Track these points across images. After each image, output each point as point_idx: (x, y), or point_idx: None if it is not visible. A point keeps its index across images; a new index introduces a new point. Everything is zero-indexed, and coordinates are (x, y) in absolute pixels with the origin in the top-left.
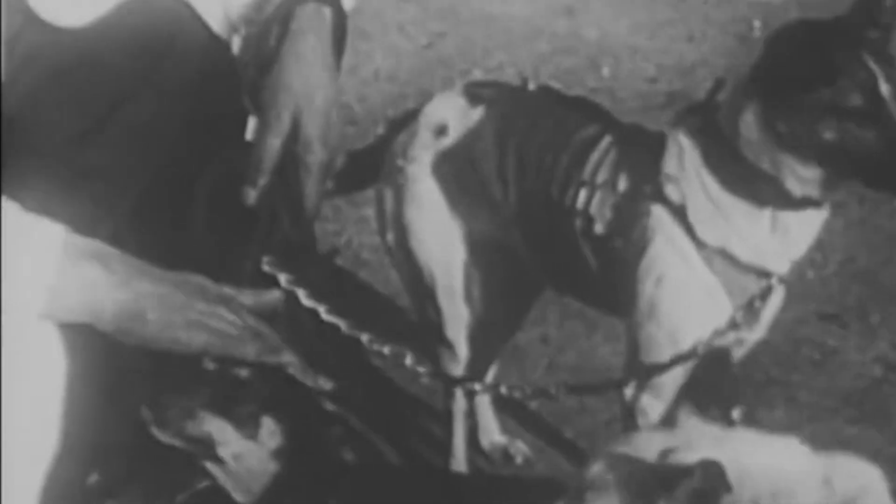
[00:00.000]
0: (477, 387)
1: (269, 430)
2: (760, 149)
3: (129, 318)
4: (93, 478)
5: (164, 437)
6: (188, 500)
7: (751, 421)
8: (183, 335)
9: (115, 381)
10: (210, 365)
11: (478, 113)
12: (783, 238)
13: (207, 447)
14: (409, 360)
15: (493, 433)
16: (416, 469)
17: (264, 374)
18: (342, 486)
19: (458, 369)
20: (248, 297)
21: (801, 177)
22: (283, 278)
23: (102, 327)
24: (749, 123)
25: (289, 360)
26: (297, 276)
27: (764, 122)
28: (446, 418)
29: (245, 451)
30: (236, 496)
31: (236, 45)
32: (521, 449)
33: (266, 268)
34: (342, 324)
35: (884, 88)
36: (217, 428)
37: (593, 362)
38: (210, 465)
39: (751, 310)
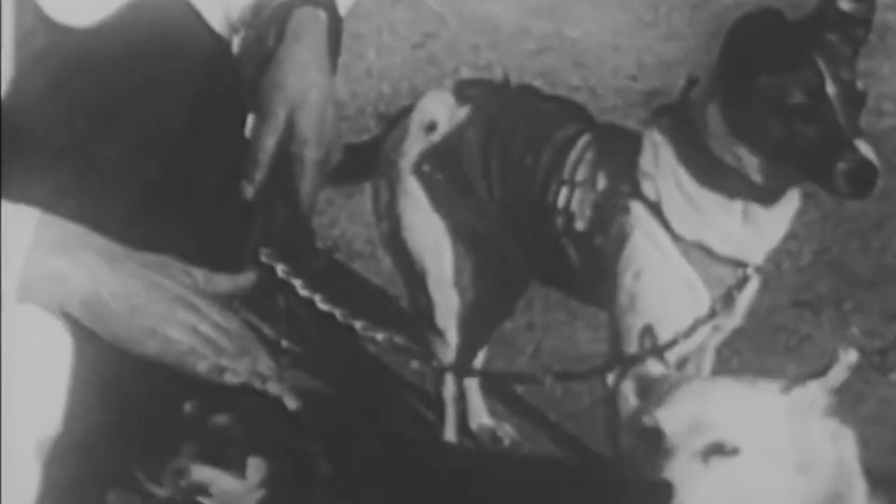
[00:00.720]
0: (468, 372)
1: (255, 467)
2: (724, 142)
3: (94, 314)
4: (94, 465)
5: (159, 492)
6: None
7: None
8: (140, 340)
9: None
10: (188, 407)
11: (464, 112)
12: (756, 228)
13: (200, 492)
14: (400, 345)
15: (481, 416)
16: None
17: (242, 417)
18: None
19: (448, 355)
20: (223, 282)
21: (760, 168)
22: (279, 269)
23: (75, 315)
24: (713, 117)
25: (247, 369)
26: (294, 267)
27: (724, 115)
28: (437, 403)
29: (233, 489)
30: None
31: (236, 45)
32: (508, 431)
33: (264, 259)
34: (337, 312)
35: (830, 89)
36: (208, 476)
37: (576, 349)
38: (200, 499)
39: (729, 300)
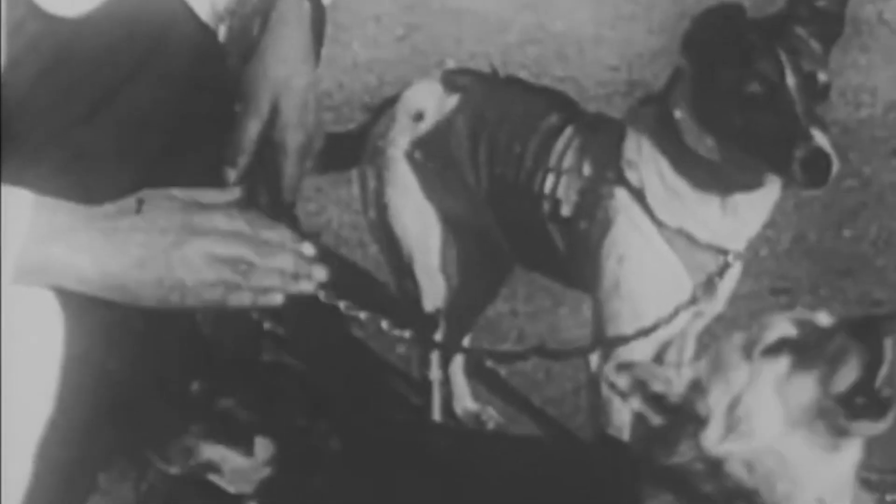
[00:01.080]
0: (452, 349)
1: (263, 446)
2: (695, 133)
3: (113, 291)
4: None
5: (170, 470)
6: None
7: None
8: (173, 298)
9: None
10: (195, 386)
11: (453, 101)
12: (735, 217)
13: (209, 469)
14: (385, 325)
15: (465, 400)
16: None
17: (248, 402)
18: (327, 470)
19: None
20: (210, 196)
21: (728, 159)
22: None
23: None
24: (684, 108)
25: (279, 272)
26: None
27: (692, 107)
28: (423, 387)
29: (242, 466)
30: (232, 490)
31: (222, 34)
32: (492, 415)
33: None
34: (320, 293)
35: (790, 80)
36: (216, 453)
37: (559, 334)
38: (210, 476)
39: (710, 286)
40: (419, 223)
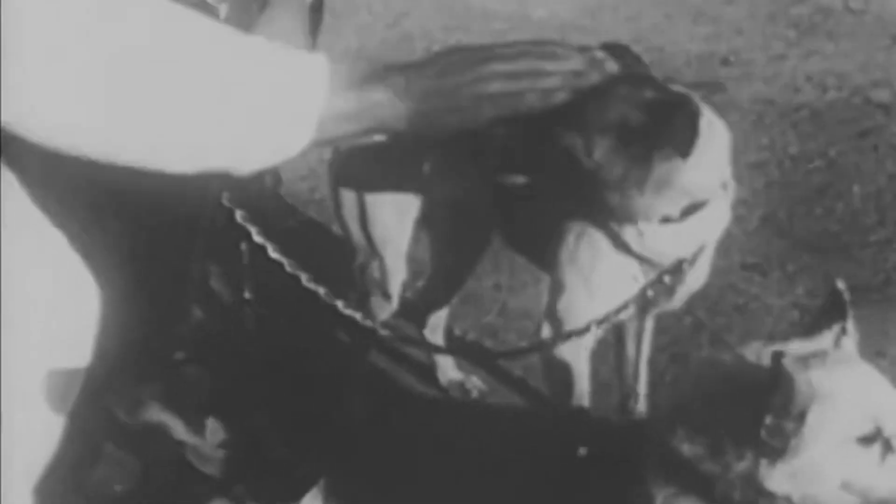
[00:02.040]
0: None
1: (213, 429)
2: None
3: (410, 124)
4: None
5: (123, 418)
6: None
7: (683, 361)
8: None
9: None
10: (180, 355)
11: None
12: (677, 233)
13: (164, 434)
14: (340, 304)
15: (449, 370)
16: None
17: (208, 372)
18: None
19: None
20: None
21: None
22: (238, 214)
23: None
24: None
25: None
26: (252, 212)
27: None
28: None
29: (196, 444)
30: (204, 470)
31: (223, 13)
32: (476, 384)
33: (225, 203)
34: (286, 262)
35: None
36: (168, 419)
37: (539, 308)
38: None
39: (660, 284)
40: (395, 208)
